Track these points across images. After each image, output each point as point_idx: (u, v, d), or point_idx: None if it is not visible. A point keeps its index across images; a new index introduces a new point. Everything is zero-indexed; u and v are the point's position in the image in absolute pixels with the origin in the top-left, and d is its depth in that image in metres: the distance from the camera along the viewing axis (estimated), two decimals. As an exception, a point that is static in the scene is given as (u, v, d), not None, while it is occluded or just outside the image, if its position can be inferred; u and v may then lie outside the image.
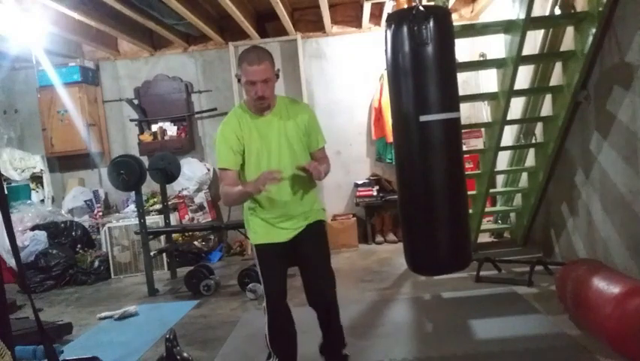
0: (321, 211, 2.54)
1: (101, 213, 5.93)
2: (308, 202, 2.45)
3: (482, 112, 5.41)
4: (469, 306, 3.42)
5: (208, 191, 6.03)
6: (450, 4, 5.10)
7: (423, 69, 2.76)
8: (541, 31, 3.97)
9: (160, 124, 6.09)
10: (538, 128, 4.26)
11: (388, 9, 4.95)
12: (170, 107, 6.10)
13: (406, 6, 3.67)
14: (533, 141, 4.33)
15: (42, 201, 6.04)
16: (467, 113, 5.53)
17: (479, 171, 4.47)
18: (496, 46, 4.46)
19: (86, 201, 6.02)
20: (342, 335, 2.57)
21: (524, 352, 2.64)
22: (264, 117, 2.36)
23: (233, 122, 2.36)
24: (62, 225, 5.56)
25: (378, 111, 5.75)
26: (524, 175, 4.56)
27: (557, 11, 3.71)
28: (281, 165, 2.33)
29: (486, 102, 5.13)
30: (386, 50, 2.86)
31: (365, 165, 6.10)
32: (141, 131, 6.14)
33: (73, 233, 5.56)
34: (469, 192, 4.13)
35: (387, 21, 2.89)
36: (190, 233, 5.67)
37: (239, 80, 2.31)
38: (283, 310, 2.47)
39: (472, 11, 5.77)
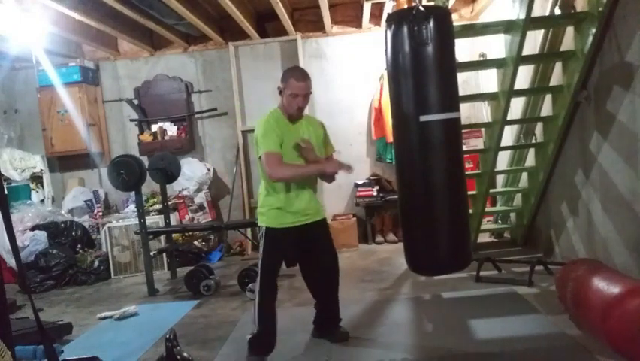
0: (323, 210, 3.03)
1: (101, 213, 5.93)
2: (316, 199, 2.95)
3: (482, 112, 5.41)
4: (469, 306, 3.42)
5: (208, 191, 6.02)
6: (450, 4, 5.10)
7: (423, 69, 2.76)
8: (541, 31, 3.97)
9: (160, 124, 6.09)
10: (538, 128, 4.26)
11: (388, 9, 4.95)
12: (170, 107, 6.10)
13: (406, 6, 3.67)
14: (533, 141, 4.33)
15: (42, 201, 6.04)
16: (467, 113, 5.53)
17: (479, 171, 4.48)
18: (496, 46, 4.46)
19: (86, 201, 6.01)
20: (338, 307, 3.01)
21: (524, 352, 2.64)
22: (296, 125, 2.83)
23: (273, 120, 2.79)
24: (62, 225, 5.55)
25: (378, 111, 5.75)
26: (524, 175, 4.56)
27: (557, 11, 3.71)
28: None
29: (486, 102, 5.13)
30: (386, 50, 2.86)
31: (365, 165, 6.10)
32: (141, 131, 6.14)
33: (73, 233, 5.56)
34: (469, 192, 4.14)
35: (387, 21, 2.89)
36: (190, 233, 5.67)
37: (280, 92, 2.79)
38: (273, 287, 2.80)
39: (472, 11, 5.77)
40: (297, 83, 2.73)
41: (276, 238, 2.78)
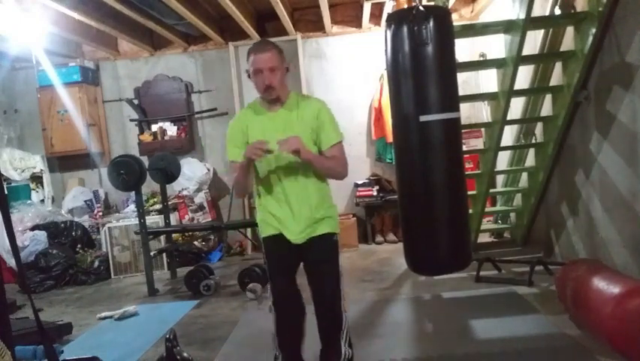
0: (332, 221, 2.44)
1: (101, 213, 5.92)
2: (317, 206, 2.39)
3: (482, 112, 5.41)
4: (469, 306, 3.42)
5: (208, 191, 6.02)
6: (450, 4, 5.10)
7: (423, 69, 2.76)
8: (541, 31, 3.97)
9: (160, 124, 6.09)
10: (538, 128, 4.26)
11: (388, 9, 4.95)
12: (170, 107, 6.10)
13: (406, 6, 3.67)
14: (533, 141, 4.33)
15: (42, 201, 6.04)
16: (467, 113, 5.53)
17: (479, 171, 4.47)
18: (496, 46, 4.46)
19: (86, 201, 6.01)
20: (339, 345, 2.36)
21: (524, 352, 2.64)
22: (271, 113, 2.34)
23: (239, 118, 2.42)
24: (62, 225, 5.55)
25: (378, 111, 5.75)
26: (524, 175, 4.56)
27: (557, 11, 3.71)
28: (283, 160, 2.30)
29: (486, 102, 5.13)
30: (386, 50, 2.86)
31: (365, 165, 6.10)
32: (141, 131, 6.13)
33: (73, 233, 5.56)
34: (469, 192, 4.14)
35: (387, 21, 2.89)
36: (190, 233, 5.67)
37: (249, 76, 2.31)
38: (289, 304, 2.37)
39: (472, 11, 5.77)
40: (256, 56, 2.23)
41: (266, 246, 2.41)
